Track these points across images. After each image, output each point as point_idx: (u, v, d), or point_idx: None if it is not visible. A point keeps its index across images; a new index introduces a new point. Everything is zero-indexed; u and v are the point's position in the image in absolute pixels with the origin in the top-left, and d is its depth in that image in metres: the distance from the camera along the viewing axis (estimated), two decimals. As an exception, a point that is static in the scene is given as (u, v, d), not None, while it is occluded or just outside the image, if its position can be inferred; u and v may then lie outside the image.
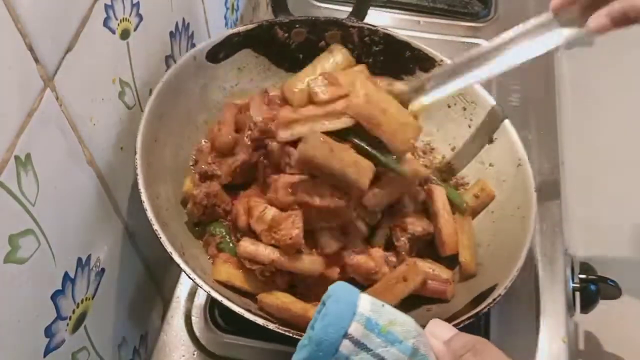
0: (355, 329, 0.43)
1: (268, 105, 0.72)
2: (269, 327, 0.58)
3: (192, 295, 0.76)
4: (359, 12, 0.84)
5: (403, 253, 0.69)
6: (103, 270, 0.64)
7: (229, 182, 0.71)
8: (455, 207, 0.73)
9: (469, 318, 0.60)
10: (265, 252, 0.64)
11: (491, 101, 0.78)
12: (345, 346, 0.43)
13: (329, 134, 0.64)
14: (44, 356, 0.54)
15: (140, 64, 0.68)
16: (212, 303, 0.75)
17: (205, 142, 0.77)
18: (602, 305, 0.82)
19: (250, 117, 0.71)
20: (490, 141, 0.77)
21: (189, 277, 0.60)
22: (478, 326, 0.74)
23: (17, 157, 0.47)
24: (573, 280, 0.80)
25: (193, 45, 0.83)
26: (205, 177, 0.72)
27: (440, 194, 0.73)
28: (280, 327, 0.58)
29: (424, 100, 0.71)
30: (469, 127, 0.80)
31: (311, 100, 0.66)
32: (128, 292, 0.72)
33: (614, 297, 0.82)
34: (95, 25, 0.57)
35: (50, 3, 0.50)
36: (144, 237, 0.73)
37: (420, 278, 0.66)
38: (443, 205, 0.72)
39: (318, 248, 0.66)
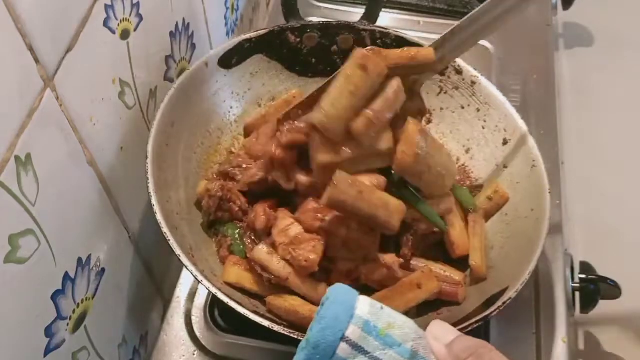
0: (352, 332, 0.43)
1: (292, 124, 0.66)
2: (274, 329, 0.58)
3: (192, 295, 0.76)
4: (371, 16, 0.83)
5: (406, 251, 0.68)
6: (103, 270, 0.64)
7: (244, 190, 0.71)
8: (464, 208, 0.73)
9: (478, 321, 0.59)
10: (278, 265, 0.63)
11: (505, 102, 0.78)
12: (343, 349, 0.43)
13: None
14: (44, 356, 0.54)
15: (140, 64, 0.68)
16: (212, 303, 0.75)
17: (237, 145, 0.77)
18: (602, 305, 0.82)
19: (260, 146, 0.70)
20: (505, 142, 0.77)
21: (197, 279, 0.59)
22: (478, 326, 0.74)
23: (17, 157, 0.47)
24: (573, 280, 0.80)
25: (193, 45, 0.83)
26: (224, 176, 0.72)
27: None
28: (286, 329, 0.58)
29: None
30: (483, 128, 0.80)
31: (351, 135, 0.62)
32: (128, 292, 0.72)
33: (614, 297, 0.82)
34: (95, 26, 0.57)
35: (50, 3, 0.49)
36: (144, 237, 0.73)
37: (435, 286, 0.64)
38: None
39: (331, 277, 0.65)
